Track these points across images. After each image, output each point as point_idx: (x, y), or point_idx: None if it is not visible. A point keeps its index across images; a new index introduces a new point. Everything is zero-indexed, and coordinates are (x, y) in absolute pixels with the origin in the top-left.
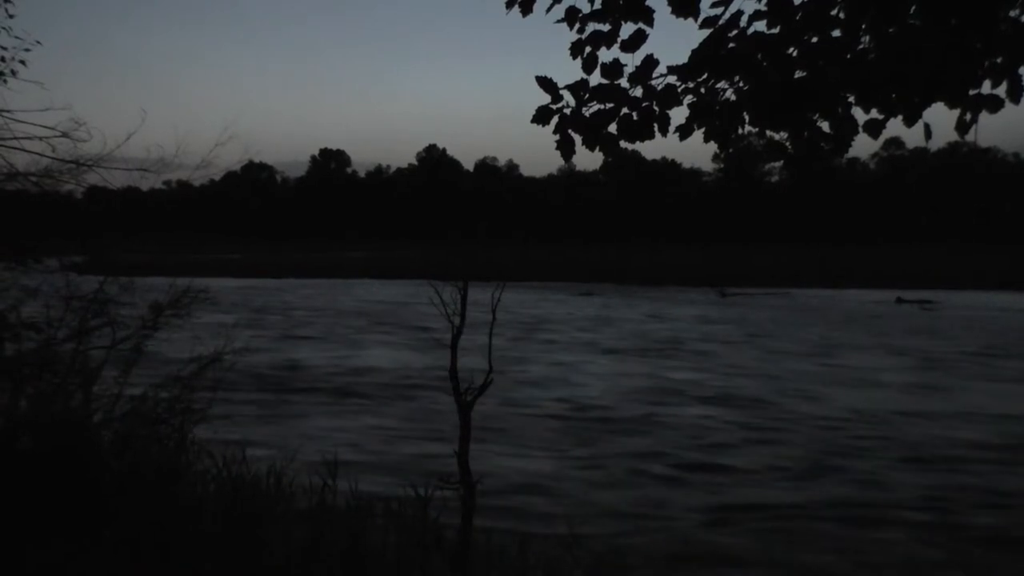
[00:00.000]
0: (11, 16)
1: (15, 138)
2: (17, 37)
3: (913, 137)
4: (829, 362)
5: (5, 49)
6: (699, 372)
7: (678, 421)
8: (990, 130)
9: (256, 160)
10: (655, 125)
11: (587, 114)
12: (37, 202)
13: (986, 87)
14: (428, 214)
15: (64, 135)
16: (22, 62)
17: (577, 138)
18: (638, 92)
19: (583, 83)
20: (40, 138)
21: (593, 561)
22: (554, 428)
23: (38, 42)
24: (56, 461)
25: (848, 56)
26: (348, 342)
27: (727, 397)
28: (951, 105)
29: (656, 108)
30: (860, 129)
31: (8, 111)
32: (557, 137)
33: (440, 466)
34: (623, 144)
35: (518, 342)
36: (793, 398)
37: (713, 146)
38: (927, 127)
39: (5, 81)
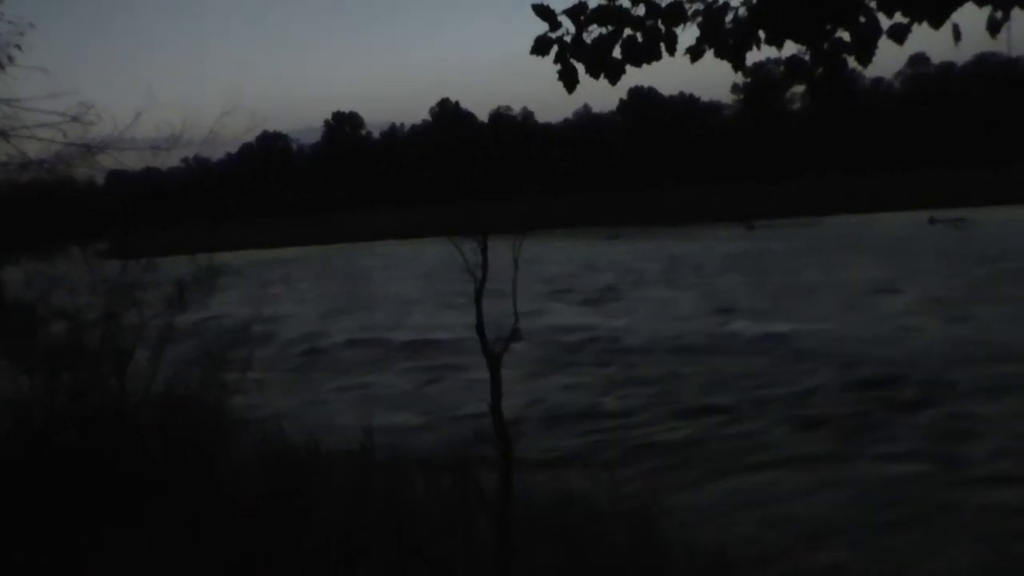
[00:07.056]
0: (0, 1)
1: (25, 127)
2: (10, 22)
3: (939, 50)
4: None
5: None
6: None
7: None
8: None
9: (269, 129)
10: (662, 45)
11: (588, 40)
12: (55, 191)
13: None
14: (445, 171)
15: (74, 119)
16: (18, 46)
17: (580, 67)
18: (640, 11)
19: (581, 6)
20: (50, 125)
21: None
22: None
23: (31, 24)
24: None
25: None
26: None
27: None
28: (980, 3)
29: (662, 27)
30: (884, 33)
31: (17, 100)
32: (559, 68)
33: None
34: (628, 69)
35: None
36: None
37: (731, 78)
38: (956, 28)
39: (3, 68)
